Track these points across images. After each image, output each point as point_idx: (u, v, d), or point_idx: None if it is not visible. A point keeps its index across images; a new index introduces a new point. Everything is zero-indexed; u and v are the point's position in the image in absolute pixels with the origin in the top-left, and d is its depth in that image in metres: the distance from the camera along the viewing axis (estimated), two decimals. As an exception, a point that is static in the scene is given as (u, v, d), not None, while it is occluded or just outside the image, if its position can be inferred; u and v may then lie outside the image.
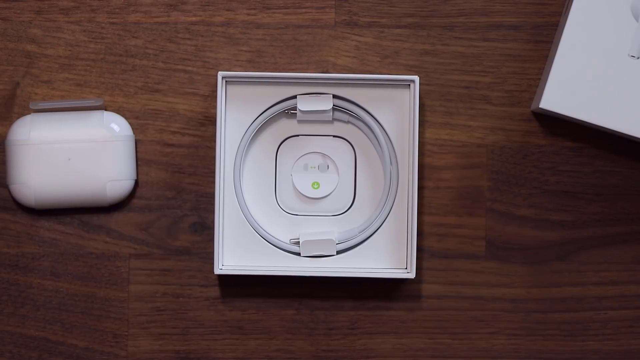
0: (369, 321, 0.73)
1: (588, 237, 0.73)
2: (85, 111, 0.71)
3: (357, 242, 0.70)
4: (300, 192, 0.68)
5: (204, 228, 0.72)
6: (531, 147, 0.73)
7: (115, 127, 0.71)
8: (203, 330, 0.72)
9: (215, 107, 0.71)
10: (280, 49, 0.73)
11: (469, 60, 0.73)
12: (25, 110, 0.72)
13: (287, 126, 0.72)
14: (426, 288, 0.73)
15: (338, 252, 0.70)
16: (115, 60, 0.73)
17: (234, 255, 0.69)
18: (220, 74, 0.69)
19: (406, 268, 0.70)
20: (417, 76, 0.69)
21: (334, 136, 0.71)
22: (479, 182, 0.72)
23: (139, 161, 0.73)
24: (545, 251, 0.72)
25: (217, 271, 0.69)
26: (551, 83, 0.69)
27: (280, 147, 0.72)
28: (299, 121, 0.71)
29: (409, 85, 0.70)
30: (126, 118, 0.72)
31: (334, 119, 0.71)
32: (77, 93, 0.73)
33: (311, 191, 0.69)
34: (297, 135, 0.71)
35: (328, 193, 0.69)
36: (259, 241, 0.70)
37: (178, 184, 0.72)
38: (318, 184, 0.66)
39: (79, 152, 0.70)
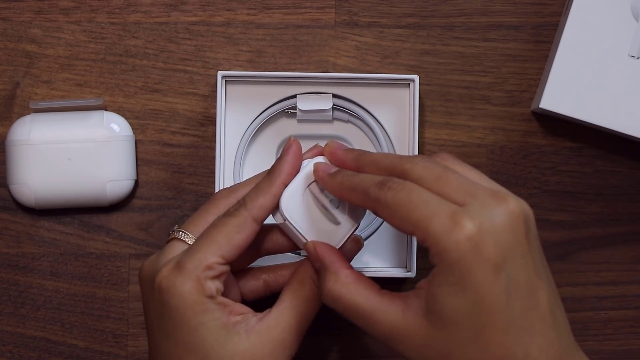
0: (369, 321, 0.73)
1: (588, 237, 0.73)
2: (85, 111, 0.71)
3: (357, 242, 0.70)
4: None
5: (204, 228, 0.72)
6: (531, 147, 0.73)
7: (115, 127, 0.71)
8: (203, 330, 0.72)
9: (215, 107, 0.71)
10: (280, 49, 0.73)
11: (469, 60, 0.73)
12: (25, 110, 0.72)
13: (286, 126, 0.72)
14: (426, 288, 0.73)
15: (338, 252, 0.70)
16: (115, 60, 0.73)
17: (233, 255, 0.69)
18: (220, 73, 0.69)
19: (406, 267, 0.70)
20: (416, 75, 0.69)
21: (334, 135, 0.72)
22: (479, 182, 0.72)
23: (139, 161, 0.73)
24: (545, 251, 0.71)
25: (217, 271, 0.69)
26: (551, 83, 0.69)
27: (280, 146, 0.72)
28: (299, 120, 0.71)
29: (409, 84, 0.70)
30: (126, 118, 0.72)
31: (333, 119, 0.71)
32: (77, 93, 0.73)
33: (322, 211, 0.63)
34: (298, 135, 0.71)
35: (336, 222, 0.63)
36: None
37: (178, 184, 0.72)
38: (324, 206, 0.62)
39: (79, 152, 0.70)
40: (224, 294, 0.60)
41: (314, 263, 0.61)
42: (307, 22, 0.73)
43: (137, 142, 0.72)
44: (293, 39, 0.73)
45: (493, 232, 0.54)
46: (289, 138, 0.63)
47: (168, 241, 0.62)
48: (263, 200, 0.60)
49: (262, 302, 0.63)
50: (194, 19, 0.73)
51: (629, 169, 0.73)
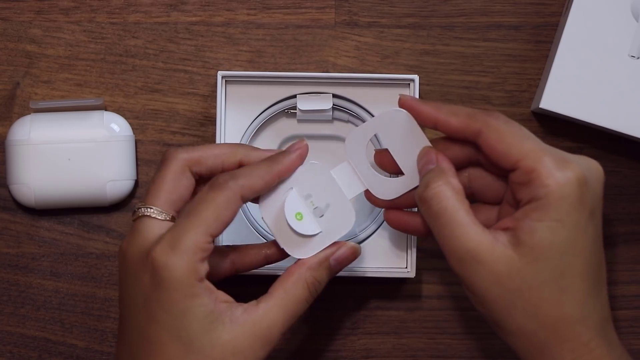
0: (369, 321, 0.73)
1: (588, 237, 0.73)
2: (85, 111, 0.71)
3: (357, 242, 0.70)
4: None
5: (204, 228, 0.72)
6: (531, 147, 0.73)
7: (115, 127, 0.71)
8: (203, 330, 0.72)
9: (215, 107, 0.71)
10: (280, 49, 0.73)
11: (469, 60, 0.73)
12: (25, 110, 0.72)
13: (286, 126, 0.72)
14: (426, 288, 0.73)
15: (338, 252, 0.70)
16: (115, 60, 0.73)
17: (233, 255, 0.69)
18: (220, 73, 0.69)
19: (406, 267, 0.70)
20: (416, 75, 0.69)
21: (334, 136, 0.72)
22: (479, 182, 0.72)
23: (139, 161, 0.73)
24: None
25: (217, 271, 0.69)
26: (551, 83, 0.69)
27: (280, 146, 0.72)
28: (299, 121, 0.71)
29: (409, 84, 0.70)
30: (126, 118, 0.72)
31: (333, 119, 0.71)
32: (77, 93, 0.73)
33: (294, 222, 0.62)
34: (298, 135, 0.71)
35: (310, 234, 0.62)
36: (259, 241, 0.70)
37: (178, 184, 0.72)
38: (301, 215, 0.62)
39: (79, 152, 0.70)
40: None
41: (427, 164, 0.61)
42: (307, 22, 0.73)
43: (137, 142, 0.72)
44: (293, 39, 0.73)
45: (591, 182, 0.57)
46: (302, 139, 0.63)
47: (135, 219, 0.60)
48: (256, 183, 0.60)
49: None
50: (194, 19, 0.73)
51: (629, 169, 0.73)
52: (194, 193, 0.62)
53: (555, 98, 0.69)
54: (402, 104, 0.62)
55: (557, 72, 0.69)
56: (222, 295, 0.59)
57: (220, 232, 0.59)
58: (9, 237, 0.72)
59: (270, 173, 0.60)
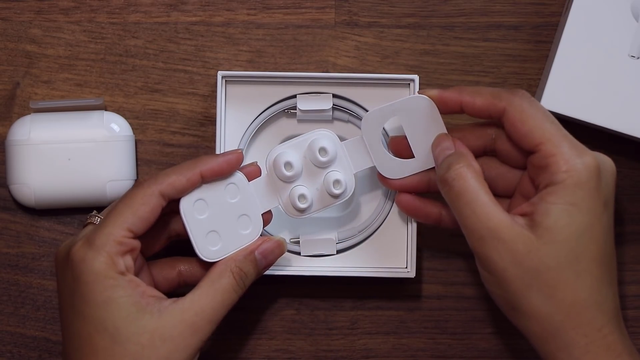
0: (369, 321, 0.73)
1: (588, 237, 0.73)
2: (85, 111, 0.71)
3: (357, 242, 0.70)
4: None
5: (204, 228, 0.72)
6: (531, 147, 0.73)
7: (115, 127, 0.71)
8: (203, 330, 0.72)
9: (215, 107, 0.71)
10: (280, 49, 0.73)
11: (469, 60, 0.73)
12: (25, 110, 0.72)
13: (286, 126, 0.72)
14: (426, 288, 0.73)
15: (338, 252, 0.70)
16: (115, 60, 0.73)
17: (233, 255, 0.69)
18: (220, 73, 0.69)
19: (406, 267, 0.70)
20: (416, 75, 0.69)
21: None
22: (479, 182, 0.72)
23: (139, 161, 0.73)
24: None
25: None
26: (551, 83, 0.69)
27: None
28: (299, 120, 0.71)
29: (409, 84, 0.70)
30: (126, 118, 0.72)
31: (333, 119, 0.71)
32: (77, 93, 0.73)
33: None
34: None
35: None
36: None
37: (178, 184, 0.72)
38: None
39: (79, 152, 0.70)
40: (136, 275, 0.61)
41: (445, 150, 0.63)
42: (307, 22, 0.73)
43: (137, 142, 0.72)
44: (293, 39, 0.73)
45: (606, 174, 0.60)
46: (238, 149, 0.65)
47: (84, 226, 0.64)
48: (175, 179, 0.62)
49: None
50: (194, 19, 0.73)
51: (629, 169, 0.73)
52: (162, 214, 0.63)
53: (555, 98, 0.69)
54: (424, 92, 0.65)
55: (557, 72, 0.69)
56: (150, 290, 0.61)
57: (142, 228, 0.61)
58: (9, 237, 0.72)
59: (192, 170, 0.62)
